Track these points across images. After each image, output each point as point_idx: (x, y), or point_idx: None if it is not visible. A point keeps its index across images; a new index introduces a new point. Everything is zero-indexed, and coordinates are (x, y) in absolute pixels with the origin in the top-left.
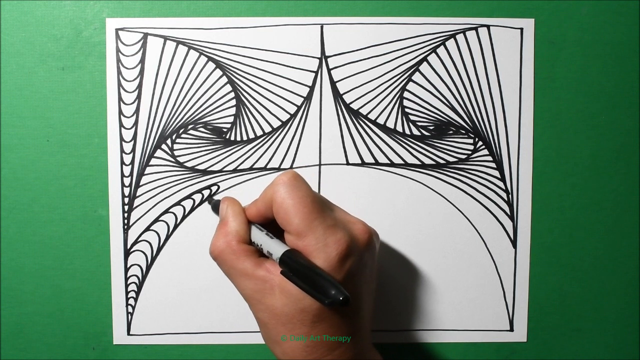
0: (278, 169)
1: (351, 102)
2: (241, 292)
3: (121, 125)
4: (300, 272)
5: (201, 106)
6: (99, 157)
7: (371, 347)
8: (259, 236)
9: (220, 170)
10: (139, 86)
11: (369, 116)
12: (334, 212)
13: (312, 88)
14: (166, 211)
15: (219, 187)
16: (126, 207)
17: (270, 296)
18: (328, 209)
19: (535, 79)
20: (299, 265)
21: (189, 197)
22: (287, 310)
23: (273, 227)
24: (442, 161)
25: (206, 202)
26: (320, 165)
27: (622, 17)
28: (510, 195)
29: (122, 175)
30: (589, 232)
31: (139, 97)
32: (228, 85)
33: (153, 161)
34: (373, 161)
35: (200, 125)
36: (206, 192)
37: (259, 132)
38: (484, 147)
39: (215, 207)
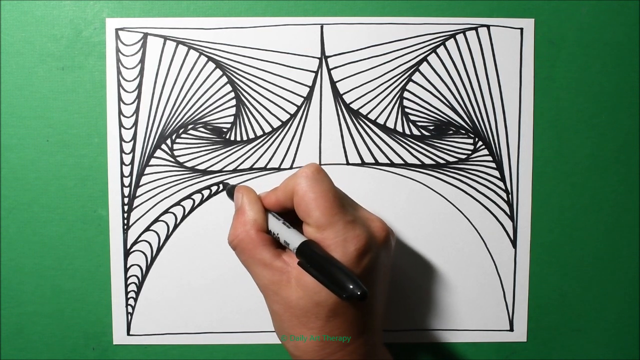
0: (278, 169)
1: (351, 102)
2: (257, 282)
3: (121, 125)
4: (318, 264)
5: (201, 106)
6: (98, 157)
7: (382, 346)
8: (277, 225)
9: (220, 170)
10: (139, 86)
11: (369, 116)
12: (353, 208)
13: (312, 88)
14: (166, 211)
15: (228, 184)
16: (126, 207)
17: (287, 288)
18: (348, 205)
19: (535, 79)
20: (317, 256)
21: (189, 197)
22: (303, 303)
23: (289, 217)
24: (442, 161)
25: (210, 200)
26: (320, 165)
27: (622, 17)
28: (510, 195)
29: (122, 175)
30: (589, 232)
31: (138, 97)
32: (228, 85)
33: (153, 161)
34: (373, 161)
35: (200, 125)
36: (206, 192)
37: (259, 132)
38: (484, 147)
39: (230, 192)
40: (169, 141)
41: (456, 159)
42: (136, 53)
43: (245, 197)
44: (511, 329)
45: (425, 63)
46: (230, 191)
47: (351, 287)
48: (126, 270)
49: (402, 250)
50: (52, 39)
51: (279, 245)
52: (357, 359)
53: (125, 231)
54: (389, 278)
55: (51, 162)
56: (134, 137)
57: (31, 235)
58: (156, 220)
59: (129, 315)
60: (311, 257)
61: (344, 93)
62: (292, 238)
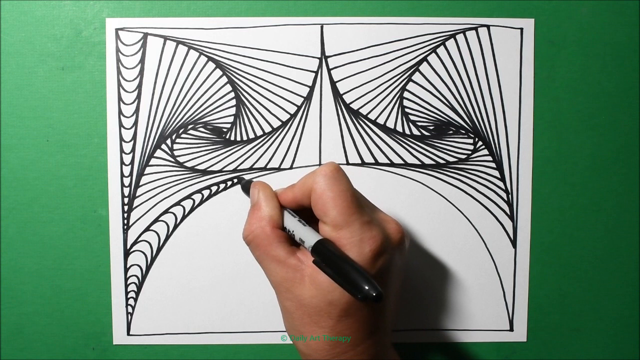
0: (278, 169)
1: (351, 102)
2: (270, 278)
3: (121, 125)
4: (333, 263)
5: (201, 106)
6: (98, 157)
7: (390, 347)
8: (292, 223)
9: (220, 170)
10: (139, 86)
11: (369, 116)
12: (370, 209)
13: (312, 88)
14: (166, 211)
15: (243, 178)
16: (126, 207)
17: (300, 286)
18: (365, 206)
19: (535, 79)
20: (332, 255)
21: (189, 197)
22: (316, 301)
23: (305, 215)
24: (442, 161)
25: (210, 200)
26: (320, 165)
27: (622, 17)
28: (510, 195)
29: (122, 175)
30: (589, 232)
31: (138, 97)
32: (228, 85)
33: (153, 161)
34: (373, 161)
35: (200, 125)
36: (206, 192)
37: (259, 132)
38: (484, 147)
39: (245, 187)
40: (169, 141)
41: (456, 159)
42: (136, 53)
43: (261, 192)
44: (511, 329)
45: (425, 63)
46: (246, 186)
47: (367, 288)
48: (126, 270)
49: None
50: (52, 39)
51: (293, 243)
52: (367, 359)
53: (125, 231)
54: (402, 280)
55: (51, 162)
56: (134, 137)
57: (31, 235)
58: (156, 220)
59: (129, 315)
60: (327, 256)
61: (344, 93)
62: (308, 236)
